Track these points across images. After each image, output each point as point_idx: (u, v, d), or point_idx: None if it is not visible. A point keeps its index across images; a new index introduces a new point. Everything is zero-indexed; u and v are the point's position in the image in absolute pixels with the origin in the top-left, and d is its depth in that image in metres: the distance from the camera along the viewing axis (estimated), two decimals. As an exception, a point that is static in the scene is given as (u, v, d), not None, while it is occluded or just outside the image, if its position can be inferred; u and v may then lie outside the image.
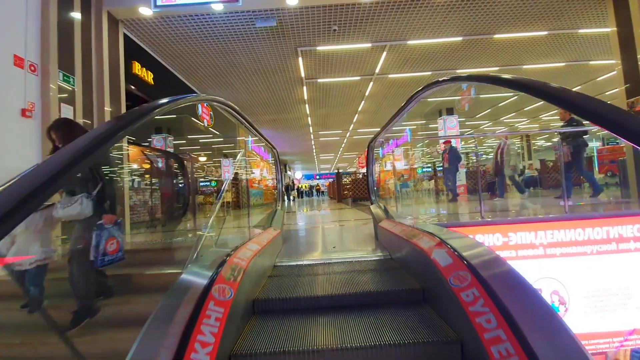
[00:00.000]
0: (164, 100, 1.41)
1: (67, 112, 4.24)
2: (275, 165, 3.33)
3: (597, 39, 7.70)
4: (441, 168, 11.17)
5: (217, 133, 10.49)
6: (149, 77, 6.28)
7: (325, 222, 5.50)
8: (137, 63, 5.94)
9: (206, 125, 9.38)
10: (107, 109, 5.02)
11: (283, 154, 24.04)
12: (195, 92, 8.99)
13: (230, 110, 2.48)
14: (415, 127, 16.42)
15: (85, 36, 4.75)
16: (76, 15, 4.58)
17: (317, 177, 45.98)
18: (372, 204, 3.26)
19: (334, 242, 2.78)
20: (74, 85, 4.41)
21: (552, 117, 16.29)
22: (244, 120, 2.79)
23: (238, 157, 12.80)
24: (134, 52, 5.98)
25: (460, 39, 7.02)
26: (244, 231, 3.21)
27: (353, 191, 13.40)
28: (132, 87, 5.91)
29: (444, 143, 9.59)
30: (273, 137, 16.83)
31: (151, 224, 5.80)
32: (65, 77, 4.27)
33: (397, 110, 3.10)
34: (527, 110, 14.36)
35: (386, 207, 2.96)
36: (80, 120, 4.47)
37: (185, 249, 2.68)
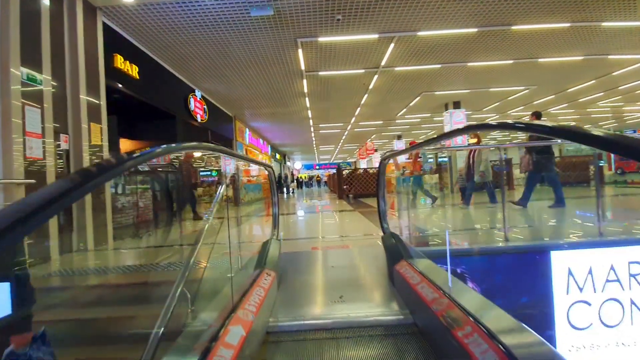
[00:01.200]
0: (135, 155, 0.91)
1: (33, 116, 3.71)
2: (270, 186, 2.84)
3: (620, 32, 7.11)
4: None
5: (213, 130, 9.94)
6: (133, 70, 5.71)
7: (326, 235, 5.04)
8: (119, 56, 5.36)
9: (200, 120, 8.82)
10: (84, 109, 4.48)
11: (282, 146, 23.48)
12: (188, 85, 8.40)
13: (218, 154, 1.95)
14: (419, 120, 15.84)
15: (55, 27, 4.17)
16: (44, 1, 4.00)
17: (317, 167, 45.48)
18: (383, 232, 2.78)
19: (338, 281, 2.33)
20: (41, 85, 3.87)
21: (561, 110, 15.70)
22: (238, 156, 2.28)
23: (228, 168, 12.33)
24: (115, 43, 5.40)
25: (475, 30, 6.42)
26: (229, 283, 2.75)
27: (354, 188, 12.92)
28: (115, 83, 5.35)
29: (412, 144, 9.07)
30: (271, 129, 16.25)
31: (136, 232, 5.31)
32: (30, 76, 3.72)
33: (422, 142, 2.54)
34: (536, 103, 13.76)
35: (404, 242, 2.47)
36: (50, 125, 3.95)
37: (166, 285, 2.19)
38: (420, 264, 2.16)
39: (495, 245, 3.32)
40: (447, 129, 12.58)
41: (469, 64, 8.30)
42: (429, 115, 14.64)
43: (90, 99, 4.63)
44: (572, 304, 3.18)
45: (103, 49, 4.96)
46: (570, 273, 3.19)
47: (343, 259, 2.97)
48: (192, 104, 8.35)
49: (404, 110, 13.23)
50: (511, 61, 8.30)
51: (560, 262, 3.17)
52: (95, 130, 4.72)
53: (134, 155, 0.93)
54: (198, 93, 8.79)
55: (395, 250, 2.35)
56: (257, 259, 2.31)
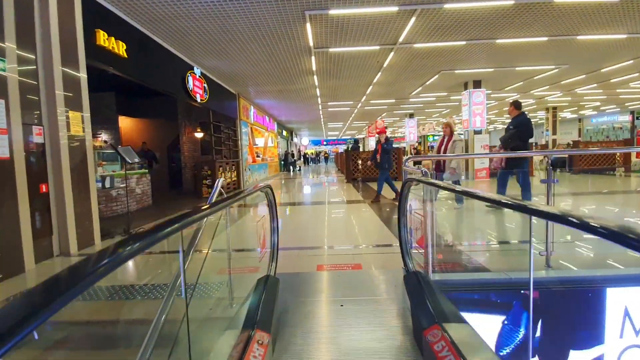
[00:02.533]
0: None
1: (-6, 108, 3.17)
2: (269, 208, 2.30)
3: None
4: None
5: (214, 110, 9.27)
6: (120, 48, 5.06)
7: (334, 243, 4.55)
8: (102, 32, 4.70)
9: (200, 100, 8.19)
10: (60, 96, 3.92)
11: (289, 122, 22.74)
12: (185, 62, 7.70)
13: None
14: (433, 99, 14.90)
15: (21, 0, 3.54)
16: (3, -32, 3.35)
17: (325, 142, 44.68)
18: (406, 268, 2.26)
19: (351, 342, 1.85)
20: (4, 71, 3.29)
21: (587, 90, 14.58)
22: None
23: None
24: (97, 18, 4.73)
25: (511, 2, 5.56)
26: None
27: (363, 172, 12.34)
28: (98, 63, 4.74)
29: (379, 132, 8.12)
30: (278, 106, 15.50)
31: (127, 228, 4.87)
32: (-13, 60, 3.15)
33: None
34: (563, 83, 12.71)
35: (433, 287, 1.95)
36: (18, 120, 3.41)
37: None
38: (461, 332, 1.65)
39: (544, 275, 2.78)
40: (465, 110, 11.74)
41: (498, 40, 7.40)
42: (445, 94, 13.70)
43: (68, 81, 4.05)
44: (625, 349, 2.69)
45: (82, 25, 4.32)
46: (626, 313, 2.67)
47: (355, 290, 2.47)
48: (191, 82, 7.68)
49: (419, 89, 12.34)
50: (546, 38, 7.38)
51: (616, 300, 2.65)
52: (75, 119, 4.18)
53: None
54: (197, 70, 8.10)
55: (424, 308, 1.84)
56: (246, 313, 1.82)
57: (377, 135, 7.89)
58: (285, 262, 3.35)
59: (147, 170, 8.07)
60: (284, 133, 23.98)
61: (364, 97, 13.80)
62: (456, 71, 9.97)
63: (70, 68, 4.10)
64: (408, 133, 20.48)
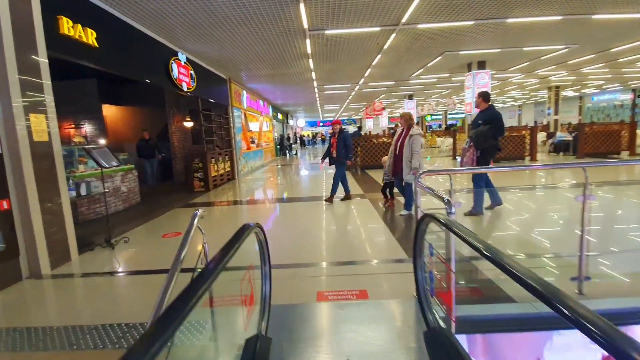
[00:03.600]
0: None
1: None
2: (260, 251, 1.88)
3: None
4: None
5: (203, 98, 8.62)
6: (89, 37, 4.46)
7: (333, 255, 4.17)
8: (65, 19, 4.09)
9: (186, 89, 7.59)
10: (17, 98, 3.39)
11: (284, 106, 21.99)
12: (169, 48, 7.05)
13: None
14: (434, 80, 14.27)
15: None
16: None
17: (321, 124, 43.87)
18: (427, 325, 1.87)
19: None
20: (-61, 72, 2.76)
21: (593, 69, 13.97)
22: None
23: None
24: (59, 2, 4.11)
25: (528, -22, 4.97)
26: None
27: (363, 158, 11.86)
28: (62, 55, 4.16)
29: (333, 124, 6.75)
30: (272, 90, 14.81)
31: (108, 238, 4.45)
32: None
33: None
34: (570, 63, 12.10)
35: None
36: (-38, 126, 2.90)
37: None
38: None
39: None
40: (468, 92, 11.18)
41: (509, 20, 6.81)
42: (447, 75, 13.07)
43: (26, 81, 3.51)
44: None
45: (41, 10, 3.73)
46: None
47: (364, 343, 2.08)
48: (175, 70, 7.06)
49: (420, 70, 11.71)
50: (560, 17, 6.78)
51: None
52: (38, 122, 3.66)
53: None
54: (182, 56, 7.45)
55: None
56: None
57: (334, 126, 6.64)
58: (279, 284, 2.97)
59: (132, 166, 7.56)
60: (279, 116, 23.25)
61: (362, 80, 13.15)
62: (461, 52, 9.36)
63: (27, 63, 3.54)
64: (407, 115, 19.86)
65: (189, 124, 10.12)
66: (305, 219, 5.58)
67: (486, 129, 4.70)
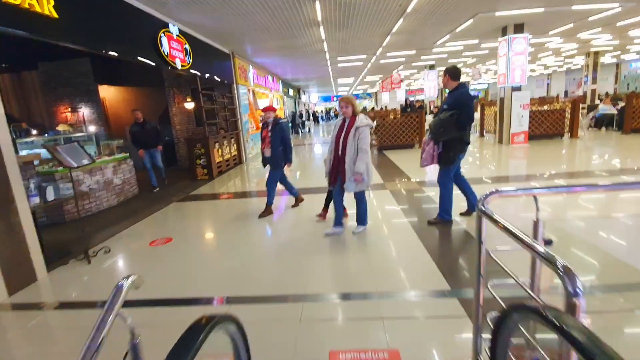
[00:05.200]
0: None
1: None
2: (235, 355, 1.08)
3: None
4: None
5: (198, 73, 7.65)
6: (45, 5, 3.59)
7: (348, 285, 3.37)
8: (7, -19, 3.23)
9: (180, 66, 6.68)
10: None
11: (295, 80, 20.77)
12: (156, 19, 6.10)
13: None
14: (461, 47, 12.80)
15: None
16: None
17: (335, 98, 42.29)
18: None
19: None
20: None
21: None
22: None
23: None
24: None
25: None
26: None
27: (381, 138, 10.83)
28: (15, 29, 3.32)
29: (266, 110, 4.86)
30: (281, 64, 13.70)
31: (85, 250, 3.78)
32: None
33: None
34: (619, 25, 10.45)
35: None
36: None
37: None
38: None
39: None
40: (502, 61, 9.82)
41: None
42: (476, 41, 11.61)
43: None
44: None
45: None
46: None
47: None
48: (166, 44, 6.14)
49: (446, 37, 10.34)
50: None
51: None
52: (-24, 117, 2.89)
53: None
54: (174, 28, 6.50)
55: None
56: None
57: (263, 115, 4.85)
58: (278, 335, 2.20)
59: (127, 155, 6.85)
60: (291, 92, 22.09)
61: (380, 50, 11.85)
62: (497, 13, 8.00)
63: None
64: (427, 87, 18.40)
65: (190, 105, 9.28)
66: (314, 215, 4.73)
67: (447, 116, 3.65)
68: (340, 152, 3.69)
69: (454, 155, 3.82)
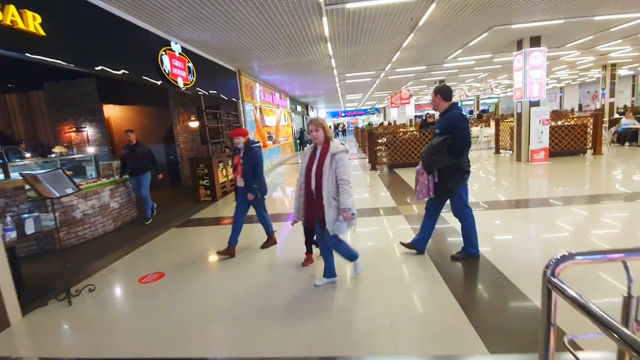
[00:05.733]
0: None
1: None
2: None
3: None
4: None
5: (203, 92, 7.39)
6: (30, 22, 3.34)
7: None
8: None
9: (183, 85, 6.43)
10: None
11: (303, 97, 20.66)
12: (157, 37, 5.89)
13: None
14: (473, 62, 12.45)
15: None
16: None
17: (343, 114, 42.30)
18: None
19: None
20: None
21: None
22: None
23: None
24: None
25: None
26: None
27: (391, 155, 10.40)
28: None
29: (235, 135, 4.26)
30: (289, 81, 13.52)
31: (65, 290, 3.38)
32: None
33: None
34: (643, 34, 10.00)
35: None
36: None
37: None
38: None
39: None
40: (518, 75, 9.40)
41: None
42: (489, 56, 11.25)
43: None
44: None
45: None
46: None
47: None
48: (167, 63, 5.91)
49: (458, 51, 10.01)
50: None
51: None
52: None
53: None
54: (176, 46, 6.28)
55: None
56: None
57: (235, 139, 4.26)
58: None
59: (127, 177, 6.50)
60: (299, 108, 21.96)
61: (389, 66, 11.57)
62: (513, 26, 7.64)
63: None
64: (437, 103, 18.01)
65: (194, 124, 9.03)
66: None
67: (439, 142, 3.16)
68: (314, 186, 2.99)
69: (453, 187, 3.27)
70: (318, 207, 2.96)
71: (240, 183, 4.16)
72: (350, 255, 3.26)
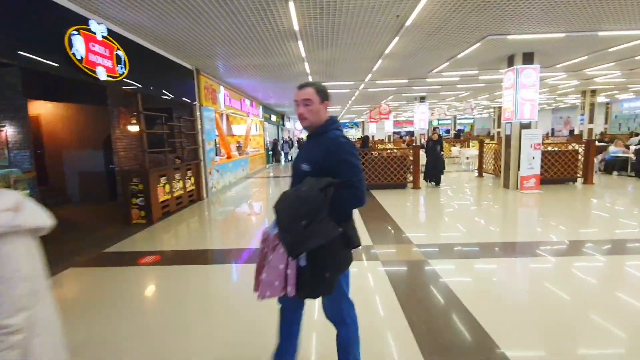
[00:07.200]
0: None
1: None
2: None
3: None
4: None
5: (137, 85, 5.92)
6: None
7: None
8: None
9: (105, 77, 4.98)
10: None
11: (279, 106, 19.40)
12: (67, 10, 4.45)
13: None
14: (458, 78, 11.65)
15: None
16: None
17: (321, 126, 41.41)
18: None
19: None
20: None
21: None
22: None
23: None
24: None
25: None
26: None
27: (368, 176, 9.25)
28: None
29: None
30: (261, 87, 12.22)
31: None
32: None
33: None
34: (638, 58, 9.48)
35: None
36: None
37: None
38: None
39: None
40: (508, 94, 8.55)
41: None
42: (475, 72, 10.45)
43: None
44: None
45: None
46: None
47: None
48: (81, 47, 4.47)
49: (445, 64, 9.09)
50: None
51: None
52: None
53: None
54: (99, 27, 4.85)
55: None
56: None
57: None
58: None
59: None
60: (273, 118, 20.64)
61: (369, 76, 10.54)
62: (509, 36, 6.74)
63: None
64: (418, 120, 17.26)
65: (134, 128, 7.49)
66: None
67: (317, 190, 1.56)
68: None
69: (333, 276, 1.67)
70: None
71: None
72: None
